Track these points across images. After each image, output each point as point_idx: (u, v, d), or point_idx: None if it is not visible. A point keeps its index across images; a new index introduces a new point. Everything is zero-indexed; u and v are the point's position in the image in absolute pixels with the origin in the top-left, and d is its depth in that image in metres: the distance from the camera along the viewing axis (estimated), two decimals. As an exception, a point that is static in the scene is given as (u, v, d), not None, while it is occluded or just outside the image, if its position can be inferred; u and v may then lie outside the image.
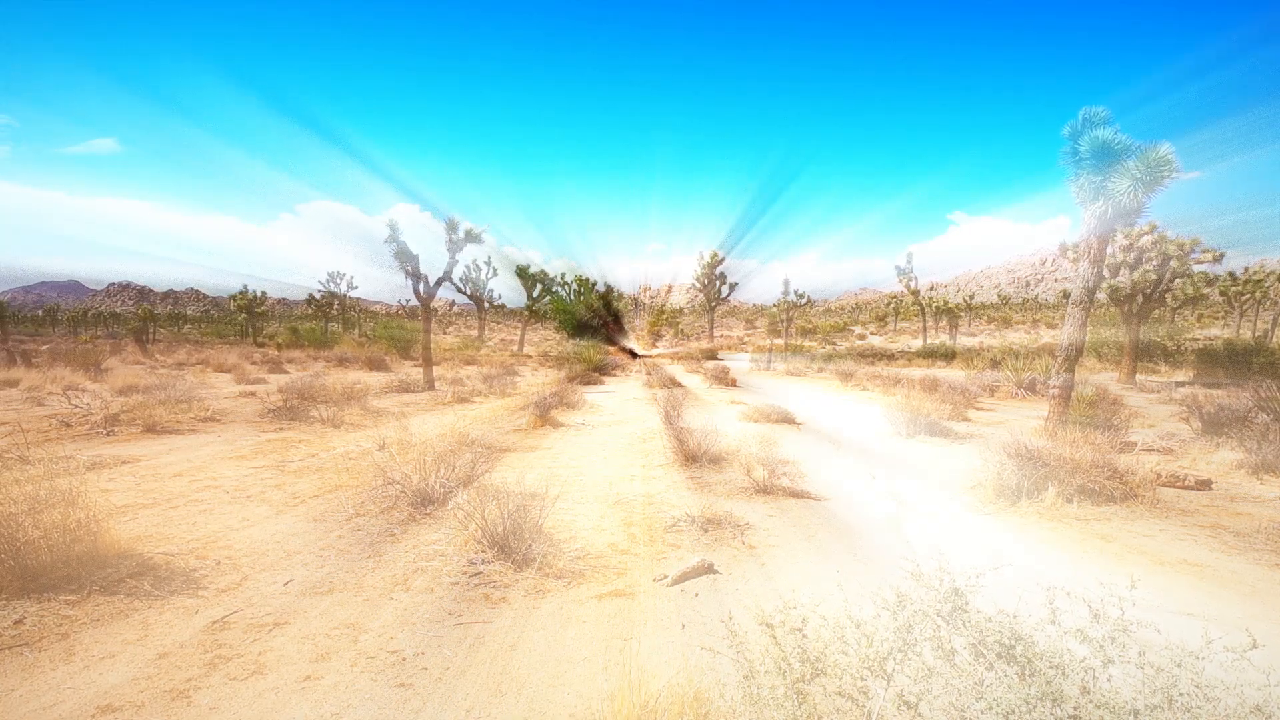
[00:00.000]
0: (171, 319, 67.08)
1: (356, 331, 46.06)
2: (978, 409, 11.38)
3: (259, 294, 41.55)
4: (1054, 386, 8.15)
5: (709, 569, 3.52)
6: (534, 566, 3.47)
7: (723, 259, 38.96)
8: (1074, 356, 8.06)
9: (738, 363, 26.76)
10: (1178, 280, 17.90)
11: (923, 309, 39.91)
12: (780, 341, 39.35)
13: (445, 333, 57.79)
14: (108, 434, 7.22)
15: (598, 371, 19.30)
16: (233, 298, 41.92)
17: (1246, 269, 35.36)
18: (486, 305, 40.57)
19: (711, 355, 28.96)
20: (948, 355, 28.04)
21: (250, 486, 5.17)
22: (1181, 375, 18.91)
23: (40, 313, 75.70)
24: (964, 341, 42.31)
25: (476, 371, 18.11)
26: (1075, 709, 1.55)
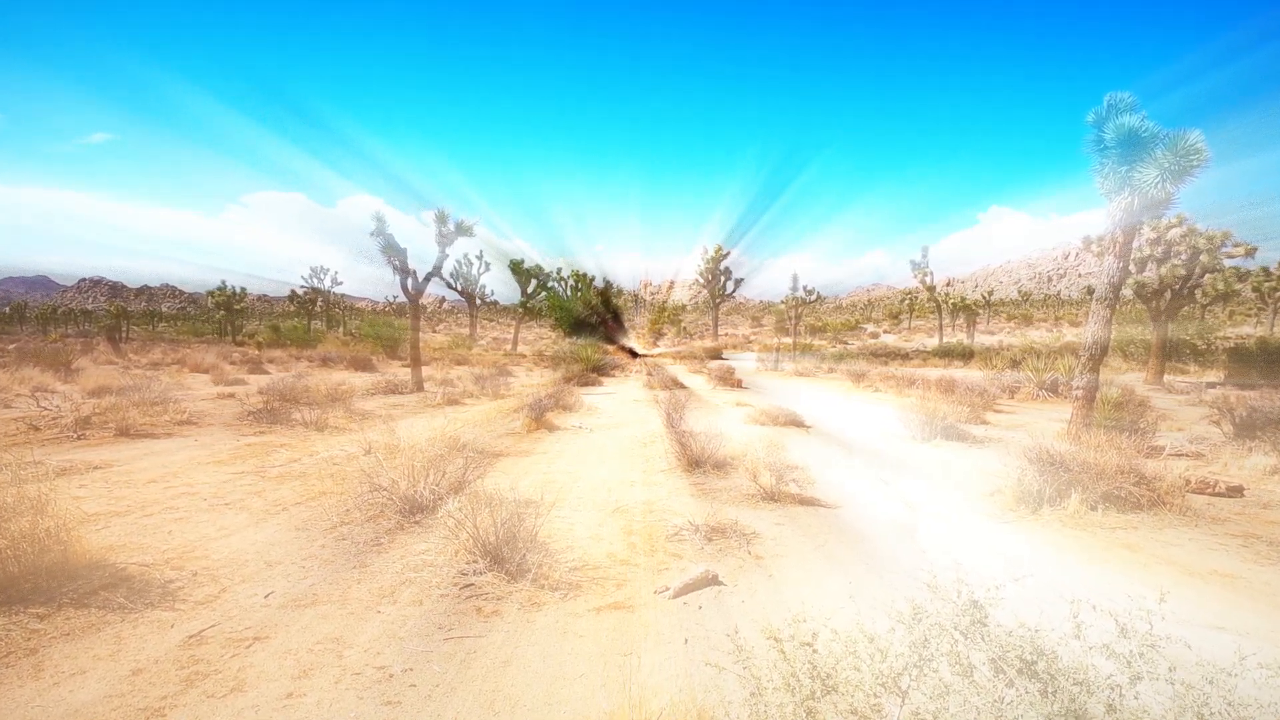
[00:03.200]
0: (146, 316, 67.13)
1: (341, 330, 46.07)
2: (997, 411, 11.38)
3: (238, 290, 41.56)
4: (1077, 388, 8.14)
5: (713, 580, 3.52)
6: (528, 578, 3.47)
7: (728, 253, 39.00)
8: (1098, 356, 8.05)
9: (743, 362, 26.76)
10: (1208, 275, 17.88)
11: (939, 306, 39.89)
12: (788, 340, 39.33)
13: (435, 331, 57.81)
14: (78, 438, 7.22)
15: (596, 372, 19.30)
16: (210, 294, 41.92)
17: (1281, 263, 35.31)
18: (478, 302, 40.57)
19: (716, 354, 28.95)
20: (965, 354, 28.04)
21: (229, 493, 5.17)
22: (1212, 375, 18.90)
23: (7, 310, 75.76)
24: (982, 340, 42.28)
25: (468, 372, 18.12)
26: (1101, 728, 1.55)
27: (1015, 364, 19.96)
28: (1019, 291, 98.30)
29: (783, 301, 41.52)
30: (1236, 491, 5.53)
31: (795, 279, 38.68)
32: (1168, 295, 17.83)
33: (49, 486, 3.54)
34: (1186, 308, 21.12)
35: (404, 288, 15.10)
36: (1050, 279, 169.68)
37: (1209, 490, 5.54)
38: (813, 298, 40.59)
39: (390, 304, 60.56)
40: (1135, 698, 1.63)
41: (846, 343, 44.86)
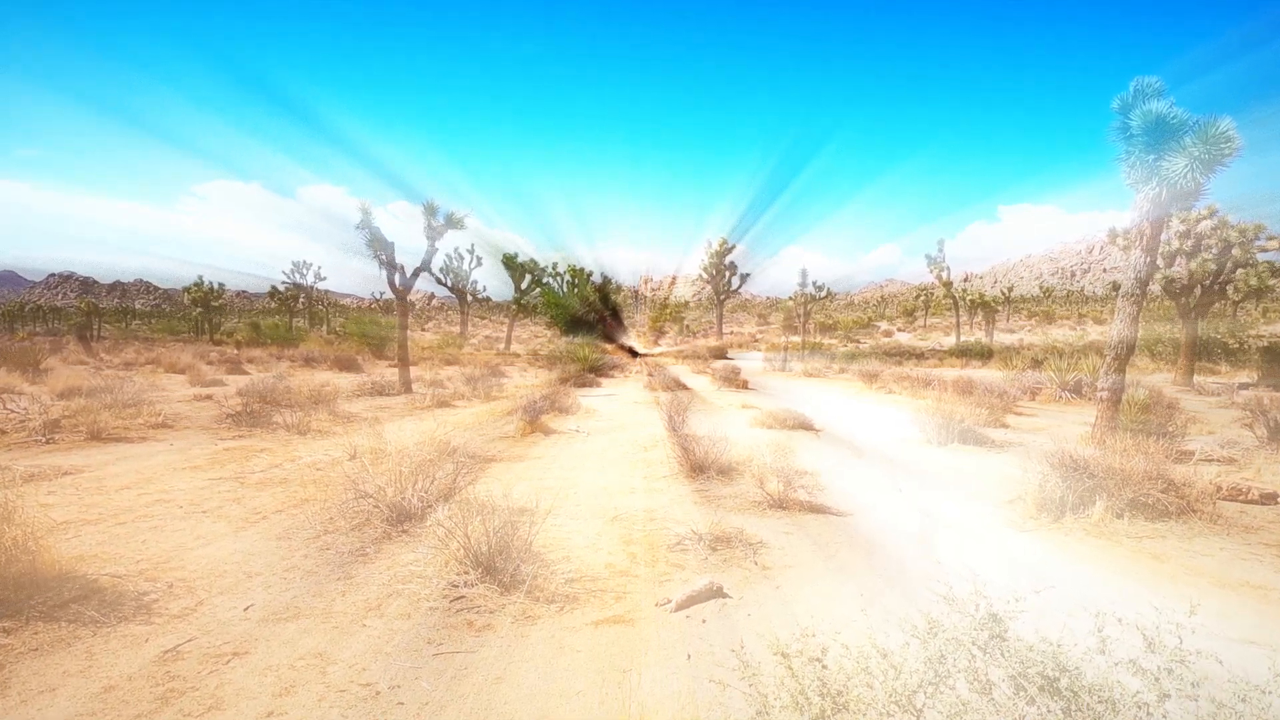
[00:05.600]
0: (118, 313, 67.21)
1: (325, 328, 46.12)
2: (1017, 414, 11.38)
3: (216, 286, 41.60)
4: (1102, 389, 8.14)
5: (718, 592, 3.52)
6: (522, 589, 3.47)
7: (733, 247, 38.92)
8: (1124, 355, 8.05)
9: (749, 362, 26.76)
10: (1240, 270, 17.87)
11: (955, 302, 39.88)
12: (797, 339, 39.33)
13: (424, 329, 57.82)
14: (47, 442, 7.23)
15: (594, 372, 19.31)
16: (187, 290, 41.98)
17: (1317, 257, 35.25)
18: (469, 298, 40.57)
19: (720, 354, 28.96)
20: (983, 354, 28.06)
21: (206, 500, 5.17)
22: (1245, 376, 18.89)
23: (-28, 307, 75.69)
24: (1002, 339, 42.29)
25: (458, 372, 18.12)
26: (1127, 749, 1.55)
27: (1037, 364, 19.97)
28: (1040, 287, 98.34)
29: (791, 298, 41.50)
30: (1270, 499, 5.53)
31: (804, 274, 38.66)
32: (1198, 291, 17.81)
33: (15, 493, 3.54)
34: (1217, 304, 21.13)
35: (391, 283, 15.10)
36: (1073, 274, 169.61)
37: (1241, 497, 5.54)
38: (823, 294, 40.57)
39: (377, 301, 60.62)
40: (1164, 716, 1.63)
41: (858, 341, 44.89)
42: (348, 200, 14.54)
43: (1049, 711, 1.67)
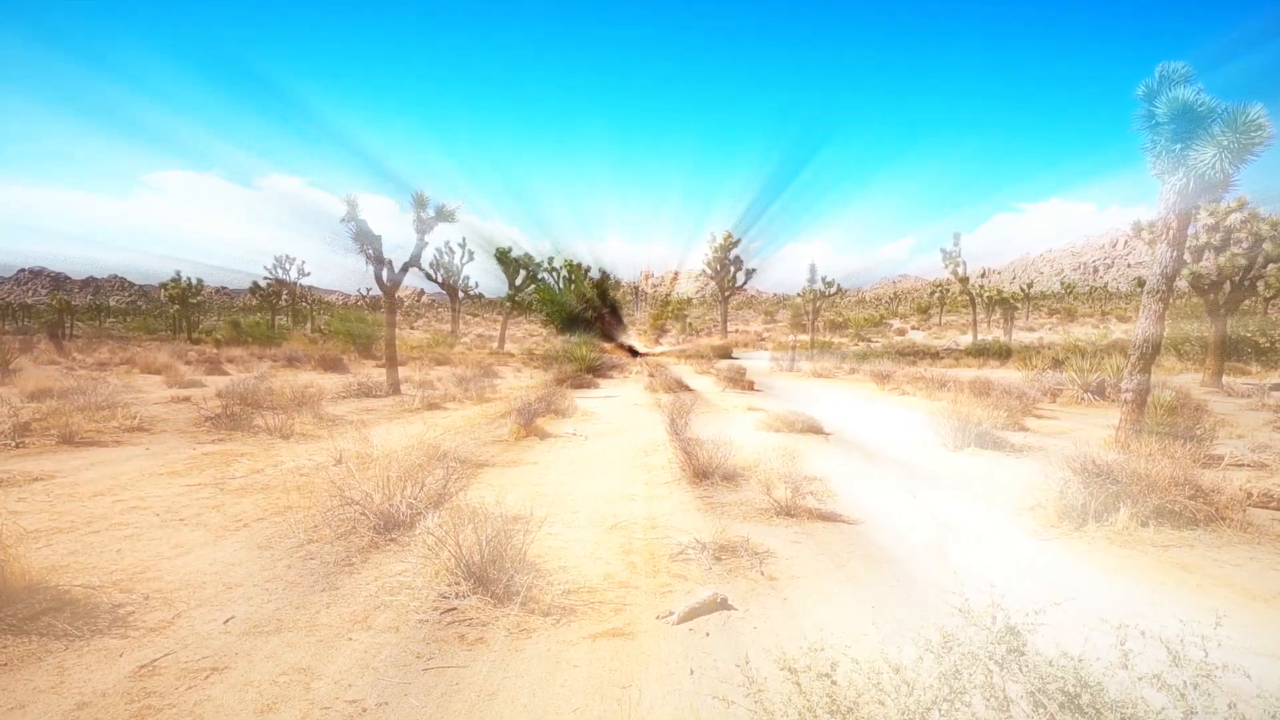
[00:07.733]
0: (92, 311, 67.31)
1: (309, 325, 46.17)
2: (1037, 416, 11.38)
3: (194, 282, 41.65)
4: (1126, 390, 8.14)
5: (722, 604, 3.52)
6: (517, 601, 3.47)
7: (738, 241, 38.94)
8: (1150, 355, 8.05)
9: (755, 362, 26.79)
10: (1271, 265, 17.87)
11: (972, 299, 39.91)
12: (805, 337, 39.38)
13: (413, 327, 57.89)
14: (16, 446, 7.23)
15: (592, 372, 19.33)
16: (163, 286, 42.04)
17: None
18: (461, 295, 40.59)
19: (725, 353, 29.01)
20: (1002, 353, 28.07)
21: (184, 508, 5.18)
22: (1277, 376, 18.90)
23: (-62, 304, 75.67)
24: (1021, 337, 42.31)
25: (449, 372, 18.13)
26: (1151, 768, 1.55)
27: (1057, 364, 19.97)
28: (1061, 283, 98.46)
29: (799, 294, 41.54)
30: (1303, 505, 5.53)
31: (813, 269, 38.68)
32: (1227, 287, 17.81)
33: (-15, 500, 3.55)
34: (1248, 301, 21.10)
35: (378, 279, 15.10)
36: (1096, 269, 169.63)
37: (1273, 504, 5.54)
38: (833, 290, 40.58)
39: (363, 297, 60.65)
40: (1190, 734, 1.63)
41: (870, 340, 44.92)
42: (334, 192, 14.56)
43: (1069, 729, 1.67)
